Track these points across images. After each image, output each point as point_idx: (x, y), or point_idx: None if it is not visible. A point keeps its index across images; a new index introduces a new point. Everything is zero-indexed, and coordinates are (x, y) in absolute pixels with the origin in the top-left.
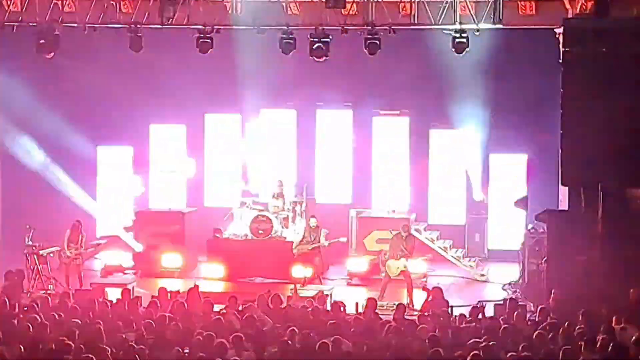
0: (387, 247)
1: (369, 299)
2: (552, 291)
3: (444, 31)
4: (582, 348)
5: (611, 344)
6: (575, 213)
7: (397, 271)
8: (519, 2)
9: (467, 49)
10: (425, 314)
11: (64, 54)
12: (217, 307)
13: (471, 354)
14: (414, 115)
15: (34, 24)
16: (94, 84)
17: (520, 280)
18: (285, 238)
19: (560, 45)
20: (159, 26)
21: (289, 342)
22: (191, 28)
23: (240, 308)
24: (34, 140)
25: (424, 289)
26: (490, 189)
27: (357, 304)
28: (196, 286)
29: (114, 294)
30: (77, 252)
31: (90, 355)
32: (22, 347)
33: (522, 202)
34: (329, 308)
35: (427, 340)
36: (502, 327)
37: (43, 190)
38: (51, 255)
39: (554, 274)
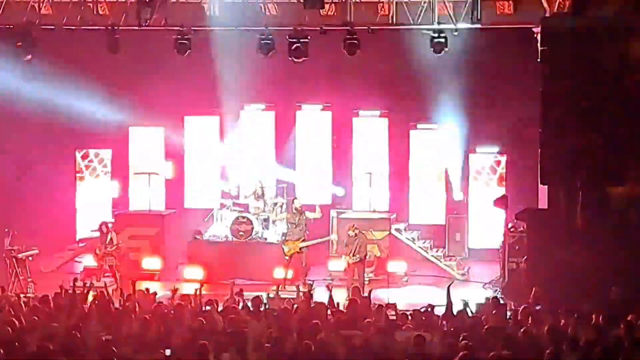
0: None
1: (350, 300)
2: (533, 290)
3: (423, 31)
4: (565, 347)
5: (593, 343)
6: (555, 211)
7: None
8: (497, 2)
9: (446, 49)
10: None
11: (41, 57)
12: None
13: (460, 354)
14: (394, 115)
15: (11, 26)
16: (71, 87)
17: (501, 279)
18: (266, 239)
19: (539, 44)
20: (137, 28)
21: (270, 344)
22: (169, 30)
23: (220, 309)
24: None
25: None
26: (470, 188)
27: (337, 304)
28: (175, 289)
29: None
30: (106, 252)
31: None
32: (1, 351)
33: (502, 201)
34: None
35: (411, 341)
36: (484, 326)
37: (22, 193)
38: (30, 258)
39: (535, 273)
